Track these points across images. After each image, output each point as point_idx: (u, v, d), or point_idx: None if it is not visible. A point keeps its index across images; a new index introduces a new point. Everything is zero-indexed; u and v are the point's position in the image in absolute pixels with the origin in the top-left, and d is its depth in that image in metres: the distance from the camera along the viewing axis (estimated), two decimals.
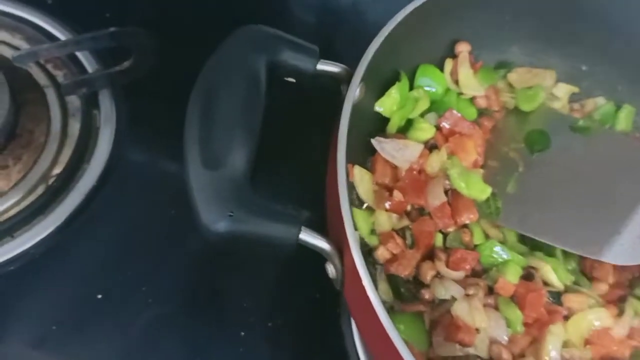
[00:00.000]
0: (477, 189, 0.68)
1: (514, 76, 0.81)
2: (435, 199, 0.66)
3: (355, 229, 0.63)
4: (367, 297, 0.49)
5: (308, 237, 0.51)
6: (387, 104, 0.70)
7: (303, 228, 0.51)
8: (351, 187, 0.68)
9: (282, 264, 0.66)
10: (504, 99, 0.79)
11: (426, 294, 0.64)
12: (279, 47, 0.57)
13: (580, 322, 0.65)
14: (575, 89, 0.83)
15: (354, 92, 0.58)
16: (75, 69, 0.84)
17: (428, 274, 0.65)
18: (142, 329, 0.67)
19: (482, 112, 0.78)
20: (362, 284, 0.49)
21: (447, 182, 0.69)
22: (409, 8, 0.65)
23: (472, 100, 0.78)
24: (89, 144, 0.78)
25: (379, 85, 0.71)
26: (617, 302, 0.68)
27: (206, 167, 0.49)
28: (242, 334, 0.69)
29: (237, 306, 0.69)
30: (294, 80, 0.59)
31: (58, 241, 0.70)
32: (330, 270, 0.54)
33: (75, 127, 0.79)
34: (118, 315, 0.68)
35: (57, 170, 0.75)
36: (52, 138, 0.77)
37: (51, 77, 0.82)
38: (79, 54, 0.84)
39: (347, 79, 0.62)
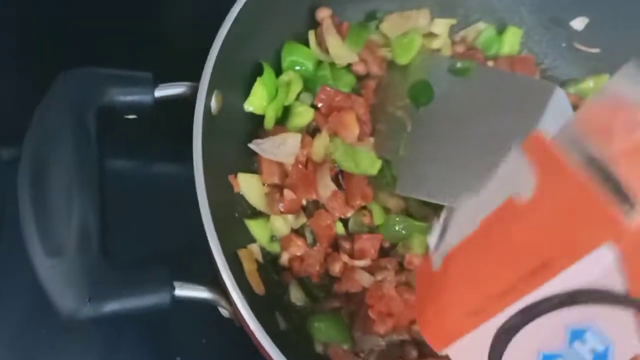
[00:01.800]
0: (367, 165, 0.66)
1: (386, 25, 0.77)
2: (325, 189, 0.64)
3: (254, 241, 0.61)
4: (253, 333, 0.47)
5: (185, 291, 0.48)
6: (256, 101, 0.66)
7: (177, 284, 0.48)
8: (240, 198, 0.64)
9: None
10: (381, 54, 0.75)
11: (339, 288, 0.63)
12: (106, 87, 0.52)
13: None
14: (453, 21, 0.80)
15: (201, 107, 0.54)
16: None
17: (336, 267, 0.63)
18: None
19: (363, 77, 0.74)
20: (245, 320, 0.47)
21: (335, 165, 0.66)
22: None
23: (349, 67, 0.73)
24: None
25: (243, 82, 0.66)
26: None
27: (49, 255, 0.44)
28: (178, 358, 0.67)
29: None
30: (135, 117, 0.54)
31: None
32: (223, 312, 0.52)
33: None
34: None
35: None
36: None
37: None
38: None
39: (195, 95, 0.57)
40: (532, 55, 0.79)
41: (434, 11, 0.79)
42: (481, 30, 0.79)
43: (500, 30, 0.80)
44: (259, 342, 0.48)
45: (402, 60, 0.75)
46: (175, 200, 0.54)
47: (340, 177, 0.67)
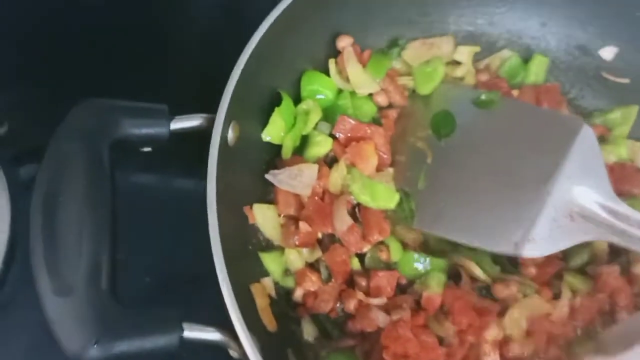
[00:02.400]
0: (384, 198, 0.64)
1: (409, 53, 0.75)
2: (341, 223, 0.62)
3: (267, 275, 0.60)
4: None
5: (194, 333, 0.47)
6: (274, 131, 0.65)
7: (187, 325, 0.47)
8: (255, 229, 0.63)
9: None
10: (403, 82, 0.73)
11: (353, 326, 0.61)
12: (120, 119, 0.51)
13: (516, 315, 0.62)
14: (477, 48, 0.78)
15: (217, 140, 0.53)
16: None
17: (351, 304, 0.61)
18: None
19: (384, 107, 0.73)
20: None
21: (352, 197, 0.65)
22: (263, 27, 0.59)
23: (370, 96, 0.72)
24: None
25: (261, 111, 0.65)
26: (551, 282, 0.65)
27: (59, 295, 0.44)
28: None
29: None
30: (149, 149, 0.53)
31: None
32: (234, 353, 0.50)
33: None
34: None
35: None
36: None
37: None
38: None
39: (212, 126, 0.56)
40: (558, 84, 0.77)
41: (458, 38, 0.78)
42: (506, 58, 0.77)
43: (526, 59, 0.78)
44: None
45: (424, 90, 0.73)
46: (189, 227, 0.53)
47: (357, 210, 0.65)
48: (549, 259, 0.66)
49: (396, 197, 0.65)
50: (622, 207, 0.60)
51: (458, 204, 0.64)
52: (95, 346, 0.43)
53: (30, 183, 0.64)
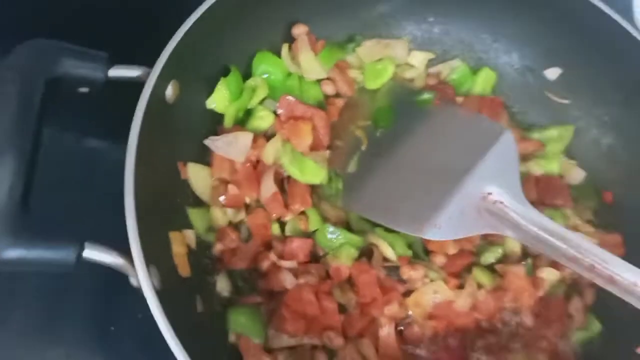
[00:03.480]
0: (312, 174, 0.68)
1: (363, 49, 0.80)
2: (267, 189, 0.66)
3: (191, 227, 0.64)
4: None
5: (95, 254, 0.51)
6: (218, 100, 0.69)
7: (89, 244, 0.51)
8: (186, 185, 0.67)
9: None
10: (353, 76, 0.78)
11: (263, 285, 0.65)
12: (60, 58, 0.56)
13: (420, 297, 0.66)
14: (431, 55, 0.82)
15: (148, 90, 0.57)
16: None
17: (264, 264, 0.65)
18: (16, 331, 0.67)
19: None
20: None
21: (283, 170, 0.69)
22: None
23: (318, 82, 0.76)
24: None
25: (209, 80, 0.70)
26: (461, 274, 0.68)
27: None
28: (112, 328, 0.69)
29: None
30: (86, 91, 0.58)
31: None
32: (132, 281, 0.54)
33: None
34: None
35: None
36: None
37: None
38: None
39: None
40: (501, 98, 0.81)
41: (414, 43, 0.82)
42: (456, 67, 0.82)
43: (475, 70, 0.82)
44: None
45: (372, 85, 0.78)
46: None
47: (285, 183, 0.69)
48: (461, 252, 0.69)
49: (323, 174, 0.69)
50: (527, 208, 0.63)
51: (379, 188, 0.68)
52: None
53: None
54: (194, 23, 0.62)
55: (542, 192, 0.74)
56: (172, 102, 0.63)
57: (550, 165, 0.77)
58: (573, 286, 0.71)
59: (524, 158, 0.77)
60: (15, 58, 0.54)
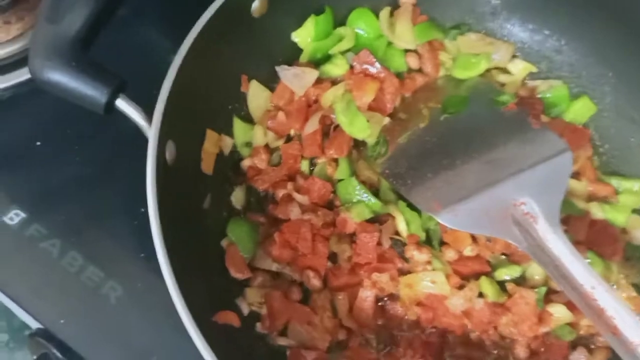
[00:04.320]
0: (358, 128, 0.69)
1: (464, 39, 0.78)
2: (310, 126, 0.68)
3: (231, 135, 0.68)
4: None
5: (124, 105, 0.56)
6: (303, 35, 0.72)
7: (124, 96, 0.56)
8: (242, 97, 0.71)
9: None
10: (442, 59, 0.77)
11: (271, 209, 0.66)
12: None
13: (415, 280, 0.64)
14: (533, 68, 0.79)
15: None
16: None
17: (280, 192, 0.67)
18: (62, 181, 0.74)
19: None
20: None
21: (334, 117, 0.70)
22: None
23: (405, 52, 0.76)
24: None
25: (302, 14, 0.73)
26: (469, 277, 0.65)
27: (47, 21, 0.55)
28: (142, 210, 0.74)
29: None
30: None
31: (23, 91, 0.77)
32: None
33: None
34: (46, 163, 0.75)
35: None
36: None
37: None
38: None
39: None
40: (590, 132, 0.75)
41: (520, 51, 0.79)
42: (554, 87, 0.77)
43: (574, 97, 0.77)
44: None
45: (460, 74, 0.76)
46: None
47: (331, 130, 0.70)
48: (476, 257, 0.66)
49: (369, 132, 0.69)
50: (557, 233, 0.58)
51: (418, 165, 0.67)
52: (48, 66, 0.54)
53: None
54: None
55: (593, 236, 0.68)
56: (256, 16, 0.67)
57: (617, 216, 0.71)
58: (585, 338, 0.64)
59: (590, 198, 0.71)
60: None
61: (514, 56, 0.79)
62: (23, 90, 0.79)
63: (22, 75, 0.79)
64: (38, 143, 0.76)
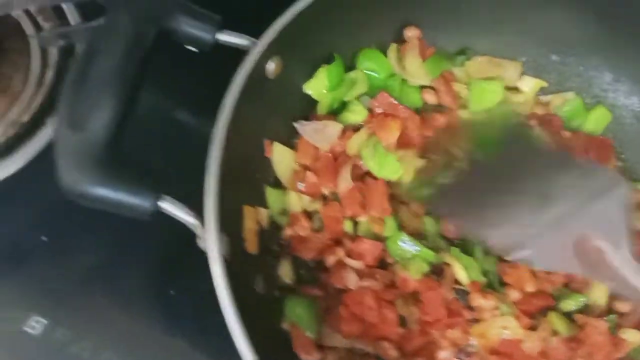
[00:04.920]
0: (389, 170, 0.65)
1: (472, 65, 0.76)
2: (344, 182, 0.65)
3: (266, 207, 0.63)
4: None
5: (170, 207, 0.51)
6: (316, 86, 0.69)
7: (167, 197, 0.51)
8: (268, 163, 0.66)
9: None
10: (457, 89, 0.75)
11: (325, 278, 0.62)
12: (175, 13, 0.56)
13: (487, 329, 0.61)
14: (544, 84, 0.78)
15: (250, 63, 0.57)
16: (60, 21, 0.84)
17: (331, 259, 0.63)
18: (79, 275, 0.68)
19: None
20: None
21: (362, 163, 0.67)
22: None
23: (420, 89, 0.74)
24: (59, 95, 0.79)
25: (312, 64, 0.69)
26: (536, 314, 0.63)
27: (70, 128, 0.49)
28: (172, 292, 0.68)
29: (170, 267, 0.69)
30: (195, 50, 0.59)
31: (16, 183, 0.70)
32: (200, 243, 0.53)
33: (50, 77, 0.79)
34: (57, 259, 0.68)
35: (26, 117, 0.77)
36: (28, 87, 0.78)
37: (38, 28, 0.83)
38: (65, 8, 0.83)
39: None
40: (612, 141, 0.75)
41: (527, 67, 0.78)
42: (569, 100, 0.77)
43: (590, 107, 0.77)
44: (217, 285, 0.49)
45: (475, 106, 0.74)
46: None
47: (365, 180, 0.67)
48: (539, 292, 0.64)
49: (401, 172, 0.66)
50: (629, 260, 0.57)
51: (474, 201, 0.63)
52: (84, 180, 0.48)
53: None
54: (309, 3, 0.61)
55: None
56: (272, 78, 0.63)
57: None
58: None
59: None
60: (134, 2, 0.55)
61: (521, 74, 0.78)
62: (12, 185, 0.72)
63: (5, 168, 0.72)
64: (44, 238, 0.69)
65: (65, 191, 0.49)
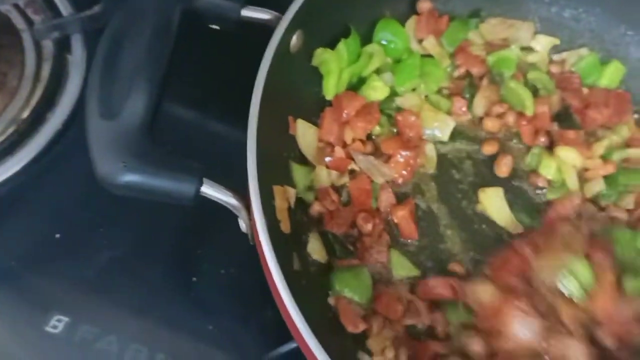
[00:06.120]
0: None
1: (486, 27, 0.76)
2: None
3: (292, 185, 0.63)
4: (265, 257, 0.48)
5: (212, 190, 0.50)
6: (334, 61, 0.67)
7: (207, 181, 0.50)
8: (293, 140, 0.66)
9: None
10: (477, 53, 0.74)
11: (364, 245, 0.63)
12: None
13: None
14: (556, 41, 0.78)
15: (278, 37, 0.56)
16: (51, 13, 0.83)
17: (369, 225, 0.63)
18: (96, 270, 0.67)
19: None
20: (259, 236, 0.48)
21: None
22: None
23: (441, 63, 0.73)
24: (59, 88, 0.77)
25: (330, 38, 0.68)
26: None
27: (103, 117, 0.48)
28: (194, 279, 0.68)
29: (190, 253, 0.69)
30: (217, 28, 0.58)
31: (22, 181, 0.70)
32: (242, 224, 0.53)
33: (47, 71, 0.78)
34: (73, 255, 0.68)
35: (26, 113, 0.76)
36: (25, 82, 0.77)
37: (29, 22, 0.82)
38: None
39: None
40: (629, 94, 0.75)
41: (539, 26, 0.78)
42: (583, 56, 0.77)
43: (603, 62, 0.77)
44: (266, 264, 0.49)
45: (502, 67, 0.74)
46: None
47: None
48: None
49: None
50: None
51: None
52: (123, 167, 0.47)
53: None
54: None
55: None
56: (294, 52, 0.62)
57: None
58: None
59: None
60: None
61: (534, 33, 0.78)
62: (18, 183, 0.70)
63: (11, 167, 0.71)
64: (57, 235, 0.69)
65: (103, 183, 0.49)
